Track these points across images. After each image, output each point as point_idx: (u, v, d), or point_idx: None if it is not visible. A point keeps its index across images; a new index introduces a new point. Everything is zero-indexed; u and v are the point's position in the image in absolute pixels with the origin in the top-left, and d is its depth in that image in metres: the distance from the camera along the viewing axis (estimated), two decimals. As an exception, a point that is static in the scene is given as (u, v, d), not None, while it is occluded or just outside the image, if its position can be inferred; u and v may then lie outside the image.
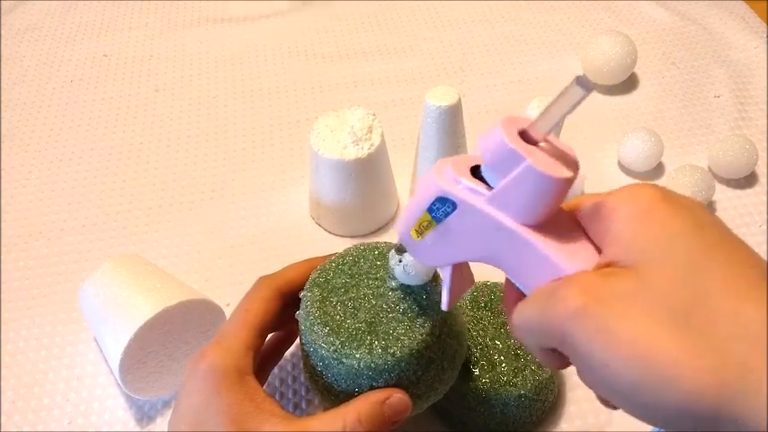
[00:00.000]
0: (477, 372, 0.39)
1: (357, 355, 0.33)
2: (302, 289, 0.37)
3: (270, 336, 0.38)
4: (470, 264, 0.34)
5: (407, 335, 0.34)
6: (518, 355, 0.40)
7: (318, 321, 0.34)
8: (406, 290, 0.36)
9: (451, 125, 0.49)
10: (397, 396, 0.33)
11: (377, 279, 0.36)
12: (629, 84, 0.68)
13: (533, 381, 0.39)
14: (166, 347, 0.42)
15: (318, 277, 0.37)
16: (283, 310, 0.37)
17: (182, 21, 0.78)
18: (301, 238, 0.55)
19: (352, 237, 0.55)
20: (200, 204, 0.59)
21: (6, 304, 0.52)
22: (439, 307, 0.33)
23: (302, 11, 0.79)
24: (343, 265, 0.37)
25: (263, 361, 0.39)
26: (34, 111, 0.68)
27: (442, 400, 0.42)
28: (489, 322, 0.42)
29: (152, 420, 0.45)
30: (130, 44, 0.75)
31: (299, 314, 0.36)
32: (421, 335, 0.34)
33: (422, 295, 0.35)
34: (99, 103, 0.69)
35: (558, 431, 0.43)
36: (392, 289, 0.36)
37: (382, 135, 0.50)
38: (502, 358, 0.40)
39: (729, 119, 0.65)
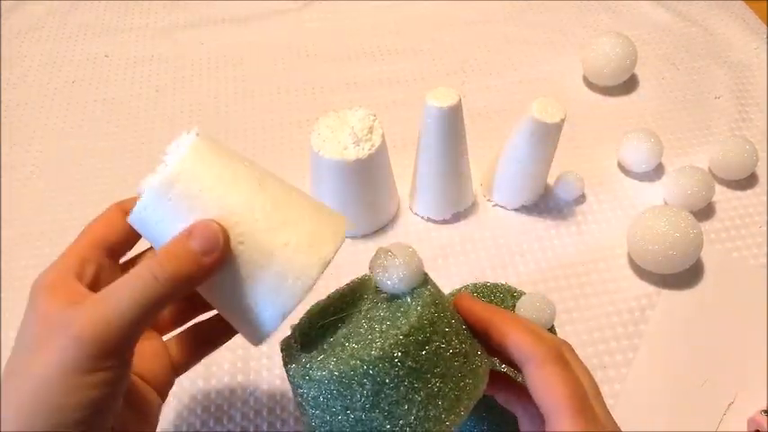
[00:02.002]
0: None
1: (323, 368, 0.28)
2: None
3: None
4: (469, 264, 0.33)
5: (380, 338, 0.28)
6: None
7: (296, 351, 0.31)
8: (392, 300, 0.31)
9: (452, 126, 0.49)
10: (202, 223, 0.28)
11: (368, 301, 0.33)
12: (629, 85, 0.69)
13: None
14: None
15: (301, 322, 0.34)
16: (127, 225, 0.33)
17: (182, 21, 0.78)
18: (301, 238, 0.55)
19: (352, 237, 0.55)
20: (200, 204, 0.58)
21: (6, 304, 0.52)
22: (429, 312, 0.29)
23: (302, 11, 0.79)
24: (333, 298, 0.35)
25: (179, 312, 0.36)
26: (35, 111, 0.68)
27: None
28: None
29: (152, 420, 0.45)
30: (131, 44, 0.75)
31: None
32: (395, 338, 0.28)
33: (407, 300, 0.30)
34: (100, 103, 0.69)
35: None
36: (376, 302, 0.31)
37: (383, 136, 0.50)
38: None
39: (729, 120, 0.65)
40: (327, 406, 0.28)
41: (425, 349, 0.28)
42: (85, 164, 0.63)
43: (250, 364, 0.48)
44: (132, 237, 0.33)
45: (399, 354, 0.27)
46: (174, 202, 0.29)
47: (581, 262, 0.54)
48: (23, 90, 0.70)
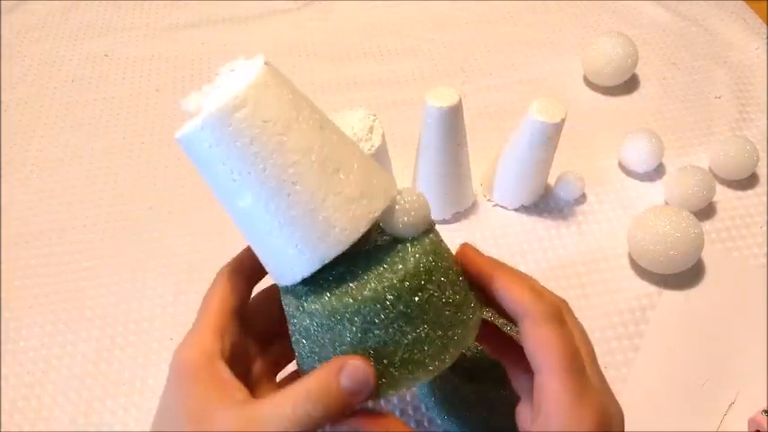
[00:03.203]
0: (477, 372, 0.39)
1: (317, 301, 0.29)
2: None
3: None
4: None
5: (375, 279, 0.29)
6: (518, 355, 0.40)
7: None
8: (394, 242, 0.31)
9: (452, 126, 0.49)
10: (353, 363, 0.28)
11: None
12: (629, 85, 0.68)
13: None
14: None
15: None
16: (249, 286, 0.34)
17: (183, 21, 0.78)
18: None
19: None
20: (200, 204, 0.59)
21: (6, 304, 0.52)
22: (427, 260, 0.29)
23: (302, 11, 0.79)
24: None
25: (268, 335, 0.37)
26: (35, 110, 0.68)
27: (442, 401, 0.42)
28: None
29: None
30: (132, 44, 0.75)
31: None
32: (390, 281, 0.28)
33: (407, 246, 0.30)
34: (100, 102, 0.69)
35: None
36: (379, 243, 0.31)
37: (383, 136, 0.50)
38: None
39: (730, 120, 0.65)
40: (317, 337, 0.29)
41: (418, 296, 0.29)
42: (85, 163, 0.63)
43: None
44: (248, 294, 0.34)
45: (391, 297, 0.28)
46: (235, 128, 0.27)
47: (581, 262, 0.54)
48: (23, 90, 0.70)
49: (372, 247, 0.31)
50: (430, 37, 0.75)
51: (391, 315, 0.28)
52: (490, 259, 0.31)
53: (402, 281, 0.28)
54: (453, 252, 0.32)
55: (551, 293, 0.31)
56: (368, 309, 0.28)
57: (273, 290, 0.35)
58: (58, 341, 0.49)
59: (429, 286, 0.29)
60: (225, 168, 0.28)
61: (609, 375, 0.47)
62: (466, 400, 0.40)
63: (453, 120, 0.49)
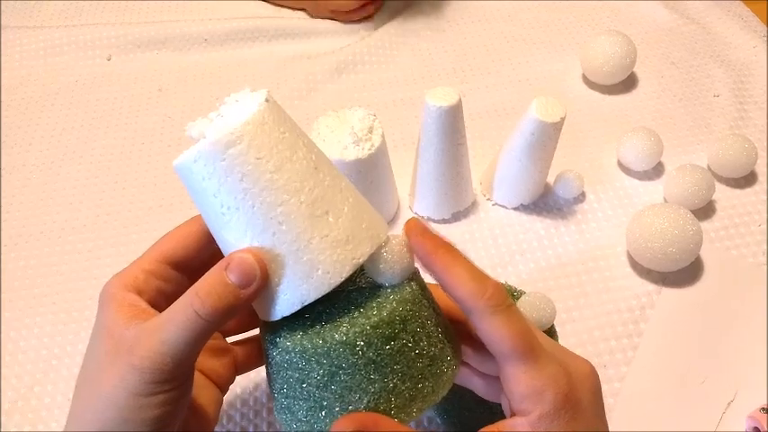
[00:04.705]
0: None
1: (290, 338, 0.29)
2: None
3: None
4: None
5: (348, 323, 0.29)
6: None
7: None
8: (375, 288, 0.31)
9: (452, 125, 0.49)
10: (239, 255, 0.28)
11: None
12: (628, 83, 0.69)
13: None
14: None
15: None
16: (199, 247, 0.34)
17: (186, 20, 0.78)
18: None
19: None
20: (200, 204, 0.59)
21: (6, 304, 0.52)
22: (404, 309, 0.29)
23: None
24: None
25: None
26: (37, 111, 0.68)
27: (442, 401, 0.42)
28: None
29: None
30: (134, 43, 0.75)
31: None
32: (362, 327, 0.28)
33: (387, 293, 0.30)
34: (102, 102, 0.69)
35: (558, 430, 0.43)
36: (362, 286, 0.31)
37: (383, 135, 0.50)
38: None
39: (729, 118, 0.65)
40: (287, 374, 0.30)
41: (390, 344, 0.29)
42: (86, 164, 0.63)
43: (250, 364, 0.48)
44: (204, 253, 0.34)
45: (362, 343, 0.28)
46: (228, 163, 0.28)
47: (581, 261, 0.54)
48: (25, 90, 0.70)
49: (354, 289, 0.31)
50: (430, 36, 0.75)
51: (360, 361, 0.28)
52: (433, 248, 0.31)
53: (375, 327, 0.28)
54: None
55: (488, 277, 0.30)
56: (337, 353, 0.28)
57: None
58: (57, 341, 0.49)
59: (403, 336, 0.29)
60: (216, 201, 0.28)
61: (608, 373, 0.47)
62: (466, 399, 0.40)
63: (453, 119, 0.49)
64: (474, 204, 0.58)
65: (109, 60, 0.73)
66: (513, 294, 0.43)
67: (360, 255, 0.29)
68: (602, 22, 0.76)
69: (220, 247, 0.31)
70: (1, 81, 0.71)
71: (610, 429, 0.42)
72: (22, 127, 0.66)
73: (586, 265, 0.53)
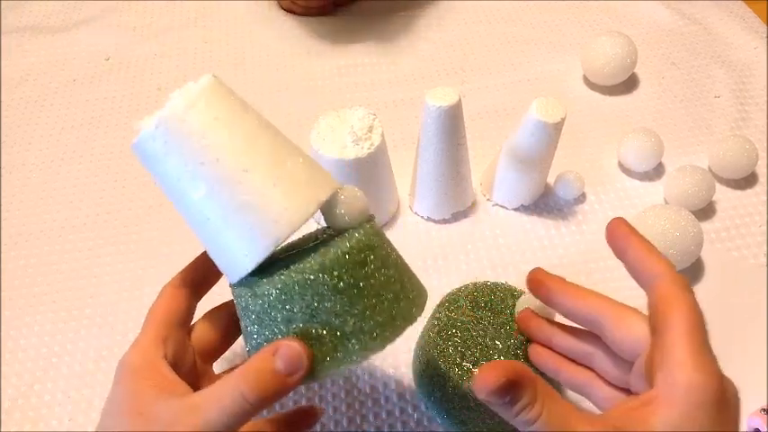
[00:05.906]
0: (476, 371, 0.39)
1: (269, 283, 0.30)
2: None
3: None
4: (469, 264, 0.34)
5: (321, 255, 0.30)
6: (517, 355, 0.40)
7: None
8: (339, 234, 0.33)
9: (452, 125, 0.49)
10: (287, 344, 0.29)
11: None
12: (629, 84, 0.69)
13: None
14: None
15: None
16: (194, 298, 0.36)
17: (185, 20, 0.78)
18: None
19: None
20: (200, 204, 0.59)
21: (7, 302, 0.52)
22: (368, 238, 0.31)
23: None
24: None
25: (215, 345, 0.38)
26: (36, 110, 0.68)
27: (442, 400, 0.42)
28: (489, 322, 0.42)
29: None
30: (133, 43, 0.75)
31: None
32: (334, 254, 0.30)
33: (350, 232, 0.32)
34: (101, 102, 0.69)
35: (558, 431, 0.43)
36: (325, 239, 0.33)
37: (382, 135, 0.50)
38: (502, 358, 0.40)
39: (729, 119, 0.65)
40: (270, 320, 0.30)
41: (364, 270, 0.30)
42: (86, 163, 0.63)
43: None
44: (194, 306, 0.36)
45: (338, 270, 0.30)
46: (188, 124, 0.30)
47: (581, 261, 0.54)
48: (25, 89, 0.70)
49: (319, 242, 0.34)
50: (430, 36, 0.75)
51: (340, 285, 0.30)
52: (623, 225, 0.33)
53: (347, 254, 0.30)
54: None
55: None
56: (317, 281, 0.29)
57: (219, 310, 0.37)
58: (58, 340, 0.49)
59: (373, 261, 0.31)
60: (180, 161, 0.30)
61: (608, 374, 0.47)
62: (466, 399, 0.40)
63: (453, 119, 0.49)
64: (474, 205, 0.58)
65: (107, 60, 0.73)
66: (512, 294, 0.43)
67: (323, 194, 0.32)
68: (603, 23, 0.76)
69: (187, 217, 0.32)
70: (1, 81, 0.71)
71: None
72: (22, 126, 0.66)
73: (587, 265, 0.53)
